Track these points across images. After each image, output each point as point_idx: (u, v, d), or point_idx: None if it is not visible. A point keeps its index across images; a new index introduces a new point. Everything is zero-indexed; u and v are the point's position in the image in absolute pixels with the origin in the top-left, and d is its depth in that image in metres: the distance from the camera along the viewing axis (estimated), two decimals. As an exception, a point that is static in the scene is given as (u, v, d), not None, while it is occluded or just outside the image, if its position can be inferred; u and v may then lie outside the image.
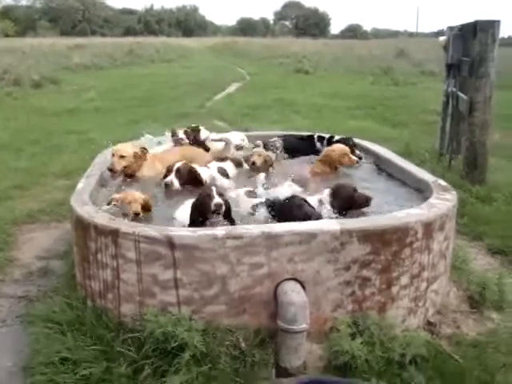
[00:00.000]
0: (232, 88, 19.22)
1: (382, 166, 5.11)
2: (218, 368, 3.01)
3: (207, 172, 4.67)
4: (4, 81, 18.03)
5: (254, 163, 4.97)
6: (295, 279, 3.13)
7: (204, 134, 6.04)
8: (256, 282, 3.11)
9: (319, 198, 3.92)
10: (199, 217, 3.40)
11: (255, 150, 5.43)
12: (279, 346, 3.06)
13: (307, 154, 5.67)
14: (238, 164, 4.98)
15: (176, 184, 4.47)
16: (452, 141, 7.39)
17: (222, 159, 5.00)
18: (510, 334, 3.56)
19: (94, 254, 3.32)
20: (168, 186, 4.47)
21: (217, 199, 3.34)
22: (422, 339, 3.24)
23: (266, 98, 15.61)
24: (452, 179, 6.61)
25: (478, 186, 6.40)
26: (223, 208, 3.30)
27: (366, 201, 3.87)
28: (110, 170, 4.65)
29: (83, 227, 3.38)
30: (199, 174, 4.54)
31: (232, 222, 3.53)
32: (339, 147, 5.05)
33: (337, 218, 3.62)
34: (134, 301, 3.22)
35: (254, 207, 3.80)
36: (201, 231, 3.07)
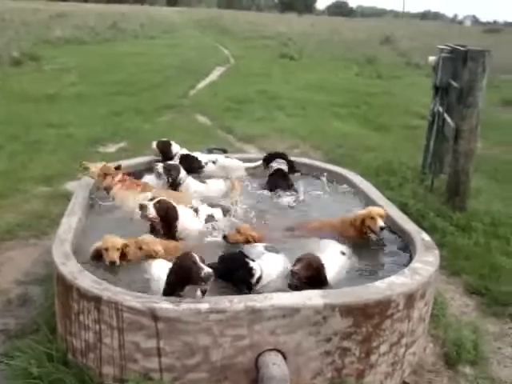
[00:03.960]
0: (216, 73, 19.01)
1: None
2: None
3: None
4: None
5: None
6: (277, 350, 3.16)
7: (175, 149, 5.87)
8: (238, 352, 3.13)
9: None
10: (181, 284, 3.15)
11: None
12: (259, 416, 3.09)
13: None
14: (226, 211, 4.65)
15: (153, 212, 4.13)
16: (435, 161, 7.43)
17: (213, 205, 4.68)
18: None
19: (77, 315, 3.29)
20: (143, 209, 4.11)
21: (206, 268, 3.07)
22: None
23: (250, 88, 15.46)
24: (433, 204, 6.70)
25: (458, 212, 6.46)
26: (212, 279, 3.11)
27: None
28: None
29: (65, 286, 3.34)
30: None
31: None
32: (374, 208, 4.45)
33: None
34: (115, 364, 3.21)
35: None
36: (184, 304, 3.05)
